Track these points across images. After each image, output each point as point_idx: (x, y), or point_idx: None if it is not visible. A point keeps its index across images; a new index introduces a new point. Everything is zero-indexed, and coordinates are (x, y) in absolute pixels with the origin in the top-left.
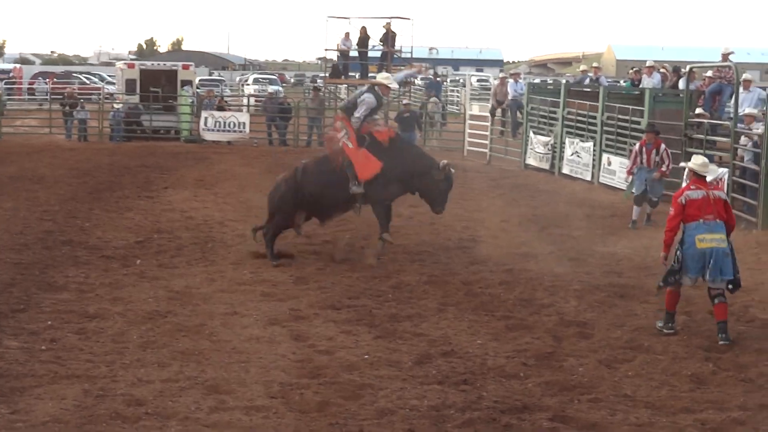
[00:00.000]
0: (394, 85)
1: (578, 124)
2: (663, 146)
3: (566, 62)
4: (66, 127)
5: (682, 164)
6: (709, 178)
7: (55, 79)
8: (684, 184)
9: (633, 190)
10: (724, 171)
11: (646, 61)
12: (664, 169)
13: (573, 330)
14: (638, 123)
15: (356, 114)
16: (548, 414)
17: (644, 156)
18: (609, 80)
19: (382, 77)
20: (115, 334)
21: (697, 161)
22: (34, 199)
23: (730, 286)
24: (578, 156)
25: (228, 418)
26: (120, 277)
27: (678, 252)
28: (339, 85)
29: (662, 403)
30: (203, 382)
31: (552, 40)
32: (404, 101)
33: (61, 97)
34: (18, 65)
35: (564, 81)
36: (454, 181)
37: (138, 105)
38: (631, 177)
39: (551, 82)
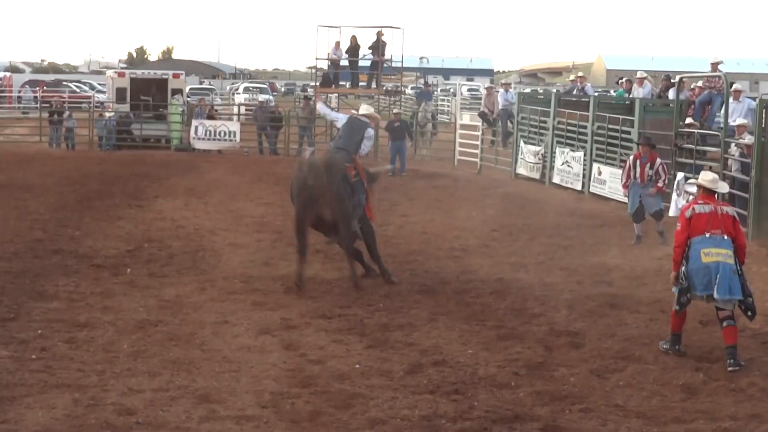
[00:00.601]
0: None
1: (568, 134)
2: (659, 161)
3: (557, 72)
4: (51, 135)
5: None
6: (722, 190)
7: (45, 88)
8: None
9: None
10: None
11: (636, 71)
12: (660, 184)
13: (564, 340)
14: (628, 133)
15: (363, 151)
16: (539, 424)
17: (637, 170)
18: (599, 90)
19: (366, 109)
20: (105, 343)
21: (706, 177)
22: (24, 208)
23: (749, 313)
24: (568, 166)
25: (219, 428)
26: (110, 286)
27: (684, 269)
28: (329, 95)
29: (653, 413)
30: (194, 391)
31: (542, 49)
32: (395, 110)
33: (48, 105)
34: (8, 73)
35: (554, 90)
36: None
37: (129, 114)
38: (625, 193)
39: (542, 91)
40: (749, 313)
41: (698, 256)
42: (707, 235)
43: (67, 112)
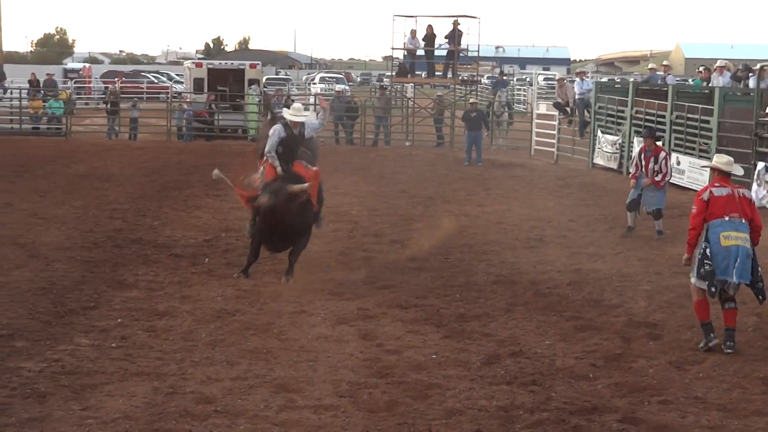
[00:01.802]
0: (301, 118)
1: (646, 123)
2: (663, 154)
3: (634, 61)
4: (108, 125)
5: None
6: (737, 173)
7: (123, 78)
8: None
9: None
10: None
11: (715, 59)
12: (657, 179)
13: (642, 331)
14: (707, 122)
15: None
16: (618, 415)
17: (642, 163)
18: (677, 79)
19: (290, 112)
20: (184, 332)
21: (721, 159)
22: (104, 198)
23: (760, 297)
24: None
25: (297, 417)
26: (189, 275)
27: (707, 250)
28: (405, 84)
29: (734, 405)
30: (272, 380)
31: (619, 38)
32: (471, 100)
33: (125, 96)
34: (87, 64)
35: (632, 79)
36: None
37: (210, 104)
38: (633, 183)
39: (619, 80)
40: (760, 297)
41: (717, 239)
42: (726, 218)
43: (130, 103)
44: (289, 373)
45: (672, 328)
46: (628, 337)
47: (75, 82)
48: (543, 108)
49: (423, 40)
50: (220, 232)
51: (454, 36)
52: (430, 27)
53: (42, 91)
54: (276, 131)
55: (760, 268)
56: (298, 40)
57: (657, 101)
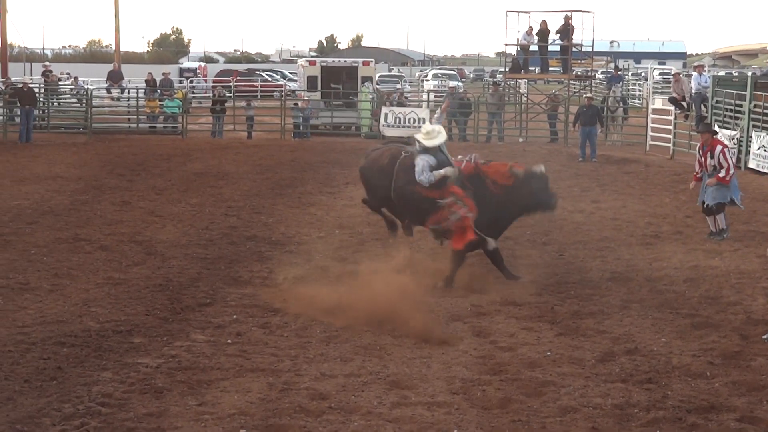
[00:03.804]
0: (437, 141)
1: (765, 118)
2: (719, 148)
3: (752, 54)
4: (214, 124)
5: None
6: None
7: (238, 77)
8: None
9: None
10: None
11: None
12: (722, 174)
13: (761, 329)
14: None
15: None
16: (736, 415)
17: (701, 158)
18: None
19: (423, 137)
20: (298, 329)
21: None
22: (219, 195)
23: None
24: (765, 150)
25: (410, 414)
26: (303, 272)
27: None
28: (519, 80)
29: None
30: (385, 377)
31: (737, 31)
32: (586, 95)
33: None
34: (203, 63)
35: (750, 73)
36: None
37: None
38: (693, 184)
39: (737, 74)
40: None
41: None
42: None
43: (244, 102)
44: (403, 369)
45: None
46: (746, 335)
47: (191, 82)
48: (659, 103)
49: (536, 35)
50: (333, 229)
51: (567, 31)
52: (543, 22)
53: (158, 91)
54: (423, 162)
55: None
56: (410, 37)
57: None
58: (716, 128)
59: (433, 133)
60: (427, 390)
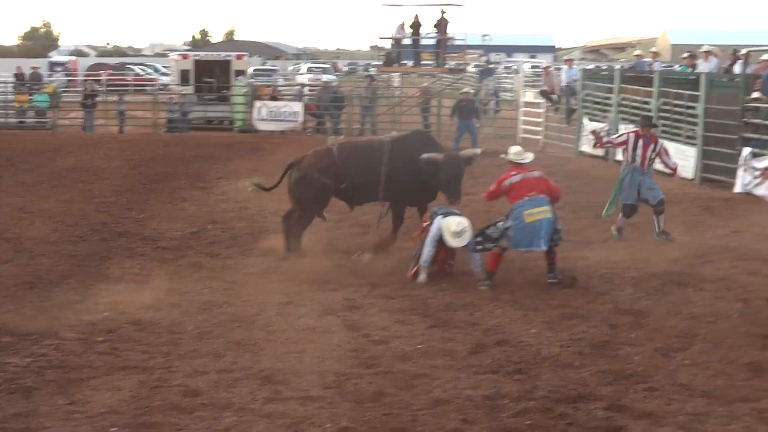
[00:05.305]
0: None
1: (633, 110)
2: (661, 142)
3: (620, 47)
4: (85, 119)
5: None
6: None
7: (109, 71)
8: None
9: (619, 200)
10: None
11: (702, 45)
12: (671, 165)
13: (628, 318)
14: (694, 108)
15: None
16: (604, 403)
17: (638, 151)
18: (664, 65)
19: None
20: (170, 325)
21: (513, 150)
22: (90, 191)
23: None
24: None
25: (283, 408)
26: (175, 268)
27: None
28: (392, 74)
29: (719, 392)
30: (258, 372)
31: (605, 25)
32: (463, 89)
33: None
34: (74, 57)
35: (618, 66)
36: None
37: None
38: (596, 143)
39: (605, 67)
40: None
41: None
42: (527, 198)
43: (116, 96)
44: (276, 364)
45: (658, 315)
46: (614, 325)
47: (62, 75)
48: (530, 96)
49: (410, 28)
50: (206, 224)
51: (442, 24)
52: (416, 16)
53: (28, 85)
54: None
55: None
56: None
57: (643, 88)
58: (585, 121)
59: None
60: (300, 384)
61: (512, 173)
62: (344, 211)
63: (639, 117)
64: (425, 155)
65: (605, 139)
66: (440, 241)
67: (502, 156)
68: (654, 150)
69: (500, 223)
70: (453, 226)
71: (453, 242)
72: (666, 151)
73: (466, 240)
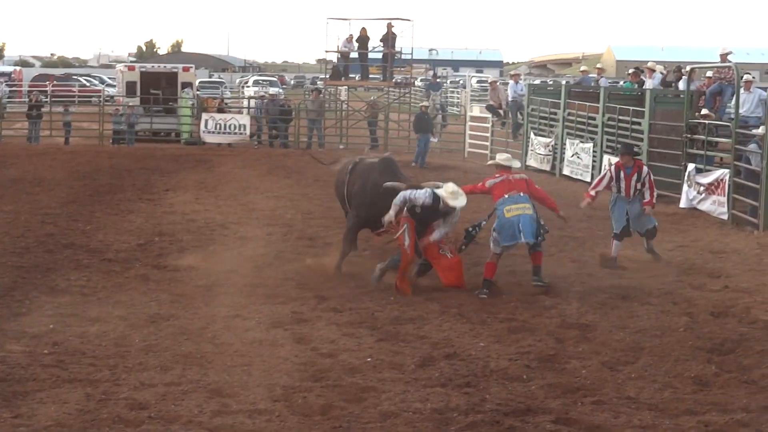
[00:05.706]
0: (459, 203)
1: (579, 125)
2: (645, 170)
3: (566, 63)
4: (30, 130)
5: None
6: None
7: (54, 82)
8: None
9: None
10: (518, 163)
11: (646, 62)
12: (646, 198)
13: (575, 332)
14: (639, 124)
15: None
16: (551, 416)
17: (622, 183)
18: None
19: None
20: (117, 338)
21: (502, 156)
22: (35, 202)
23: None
24: (578, 157)
25: (231, 422)
26: (122, 280)
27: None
28: (339, 87)
29: (665, 405)
30: (206, 385)
31: (552, 41)
32: (423, 103)
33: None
34: (18, 68)
35: (564, 82)
36: None
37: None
38: (588, 202)
39: (551, 83)
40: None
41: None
42: (506, 195)
43: (62, 107)
44: (223, 377)
45: (604, 329)
46: (561, 338)
47: (6, 86)
48: (476, 110)
49: (356, 42)
50: (153, 237)
51: (389, 39)
52: (363, 30)
53: None
54: (424, 195)
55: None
56: (231, 43)
57: (589, 103)
58: (531, 136)
59: (458, 195)
60: (248, 398)
61: (496, 175)
62: (291, 224)
63: (620, 145)
64: (388, 183)
65: (593, 192)
66: (409, 215)
67: (490, 162)
68: (638, 180)
69: (483, 222)
70: (451, 187)
71: (453, 202)
72: (651, 181)
73: (463, 202)
